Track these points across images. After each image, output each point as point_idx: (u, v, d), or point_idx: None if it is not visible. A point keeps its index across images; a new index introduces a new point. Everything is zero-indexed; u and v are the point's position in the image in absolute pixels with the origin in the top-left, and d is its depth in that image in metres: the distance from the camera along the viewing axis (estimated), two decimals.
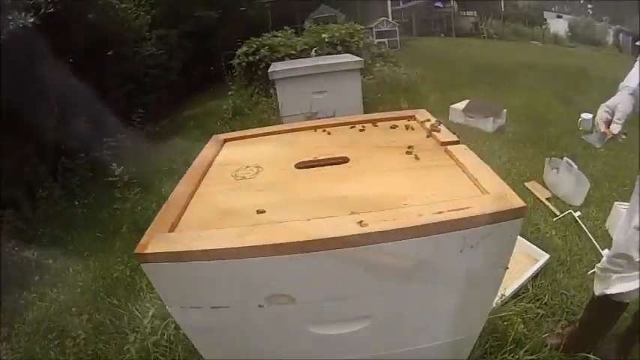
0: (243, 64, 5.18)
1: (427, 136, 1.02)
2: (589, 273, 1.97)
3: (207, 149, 1.10)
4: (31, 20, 5.01)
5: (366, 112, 3.74)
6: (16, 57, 5.59)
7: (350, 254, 0.69)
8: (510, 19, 22.76)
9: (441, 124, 1.06)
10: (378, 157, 0.93)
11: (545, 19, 23.73)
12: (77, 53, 6.34)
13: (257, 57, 5.03)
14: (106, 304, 2.28)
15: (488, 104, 4.67)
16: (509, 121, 4.82)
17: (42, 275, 3.92)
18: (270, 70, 2.72)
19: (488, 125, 4.31)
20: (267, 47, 5.05)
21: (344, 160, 0.94)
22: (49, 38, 5.88)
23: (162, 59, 8.24)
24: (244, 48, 5.31)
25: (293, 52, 4.91)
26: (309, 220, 0.73)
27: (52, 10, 5.15)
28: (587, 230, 2.29)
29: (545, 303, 1.86)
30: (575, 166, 2.56)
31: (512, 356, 1.49)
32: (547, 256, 2.02)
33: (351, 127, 1.15)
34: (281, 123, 2.80)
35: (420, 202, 0.75)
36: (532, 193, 2.76)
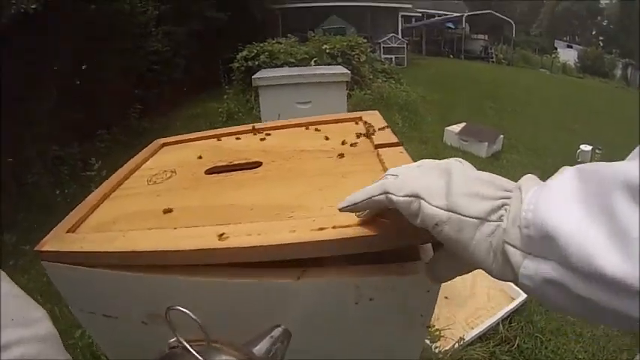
0: (242, 68, 5.14)
1: (365, 138, 0.90)
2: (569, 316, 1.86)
3: (141, 154, 1.03)
4: (34, 7, 4.97)
5: None
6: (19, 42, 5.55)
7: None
8: (521, 45, 22.87)
9: (387, 129, 0.93)
10: (294, 162, 0.81)
11: (556, 48, 23.85)
12: (78, 43, 6.31)
13: (256, 62, 4.98)
14: None
15: (484, 129, 4.54)
16: (506, 147, 4.69)
17: (17, 261, 3.80)
18: (254, 77, 2.61)
19: (482, 150, 4.17)
20: (266, 53, 5.00)
21: (256, 165, 0.82)
22: (50, 27, 5.87)
23: (167, 56, 8.23)
24: (244, 52, 5.27)
25: (293, 60, 4.84)
26: (175, 228, 0.62)
27: None
28: None
29: (517, 346, 1.73)
30: None
31: None
32: (525, 295, 1.86)
33: (289, 130, 1.04)
34: None
35: (310, 214, 0.61)
36: None
